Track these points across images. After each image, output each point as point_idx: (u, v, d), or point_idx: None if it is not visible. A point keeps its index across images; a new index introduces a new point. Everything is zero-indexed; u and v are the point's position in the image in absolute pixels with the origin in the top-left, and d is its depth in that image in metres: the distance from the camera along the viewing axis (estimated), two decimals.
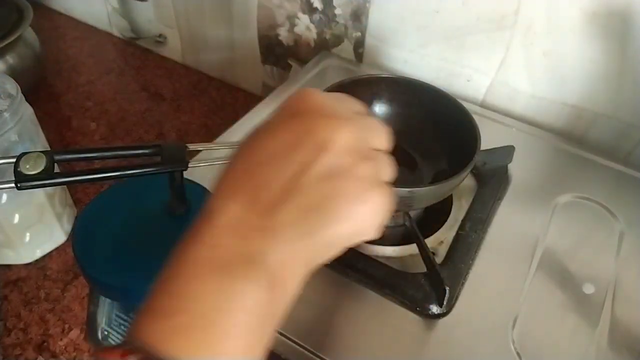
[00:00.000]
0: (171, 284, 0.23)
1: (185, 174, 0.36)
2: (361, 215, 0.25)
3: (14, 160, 0.32)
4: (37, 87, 0.83)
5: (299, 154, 0.24)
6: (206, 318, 0.22)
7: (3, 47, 0.70)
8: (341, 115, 0.26)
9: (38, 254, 0.59)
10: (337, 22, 0.70)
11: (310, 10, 0.71)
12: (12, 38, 0.70)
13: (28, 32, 0.77)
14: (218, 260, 0.23)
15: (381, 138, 0.27)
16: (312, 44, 0.75)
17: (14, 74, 0.72)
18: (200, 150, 0.41)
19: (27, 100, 0.52)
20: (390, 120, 0.53)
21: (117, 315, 0.39)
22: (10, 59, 0.73)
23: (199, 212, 0.25)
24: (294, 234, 0.23)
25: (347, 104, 0.28)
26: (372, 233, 0.26)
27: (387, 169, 0.27)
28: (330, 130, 0.25)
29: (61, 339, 0.53)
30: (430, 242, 0.47)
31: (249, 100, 0.84)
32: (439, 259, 0.45)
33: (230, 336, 0.22)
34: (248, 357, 0.23)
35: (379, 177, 0.26)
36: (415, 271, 0.44)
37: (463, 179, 0.44)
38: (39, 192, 0.55)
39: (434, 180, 0.50)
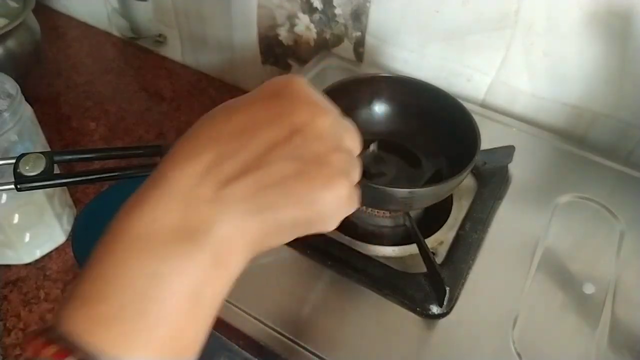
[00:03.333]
0: (99, 265, 0.21)
1: None
2: (323, 202, 0.24)
3: (13, 161, 0.32)
4: (37, 87, 0.83)
5: (272, 131, 0.23)
6: (131, 307, 0.20)
7: (4, 33, 0.68)
8: (323, 105, 0.25)
9: (38, 254, 0.59)
10: (337, 22, 0.70)
11: (310, 10, 0.71)
12: (15, 24, 0.68)
13: (30, 19, 0.75)
14: (155, 237, 0.21)
15: (355, 141, 0.26)
16: (312, 43, 0.75)
17: (13, 59, 0.70)
18: None
19: (26, 99, 0.52)
20: (390, 120, 0.53)
21: None
22: (10, 43, 0.71)
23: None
24: (246, 209, 0.22)
25: (328, 102, 0.27)
26: (331, 225, 0.25)
27: (357, 170, 0.26)
28: (309, 115, 0.24)
29: None
30: (430, 242, 0.47)
31: None
32: (439, 259, 0.45)
33: (159, 325, 0.20)
34: (179, 347, 0.21)
35: (349, 170, 0.25)
36: (415, 271, 0.44)
37: (463, 179, 0.44)
38: (39, 192, 0.55)
39: (434, 180, 0.50)
